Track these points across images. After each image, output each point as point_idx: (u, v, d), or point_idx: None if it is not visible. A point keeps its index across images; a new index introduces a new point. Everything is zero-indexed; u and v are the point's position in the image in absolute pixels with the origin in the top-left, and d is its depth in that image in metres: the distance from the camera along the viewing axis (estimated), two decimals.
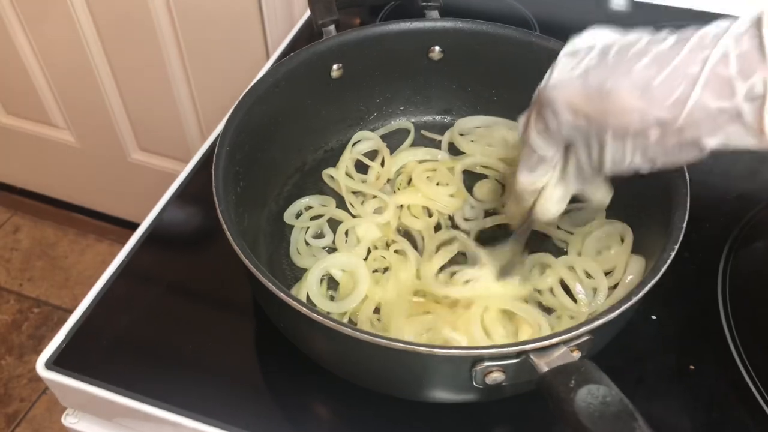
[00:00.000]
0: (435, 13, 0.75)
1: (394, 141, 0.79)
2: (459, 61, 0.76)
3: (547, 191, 0.55)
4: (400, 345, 0.48)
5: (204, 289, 0.68)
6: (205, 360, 0.62)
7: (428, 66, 0.77)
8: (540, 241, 0.69)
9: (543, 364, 0.46)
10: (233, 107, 0.64)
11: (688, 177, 0.58)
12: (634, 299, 0.50)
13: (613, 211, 0.68)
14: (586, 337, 0.48)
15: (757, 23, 0.41)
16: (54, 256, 1.85)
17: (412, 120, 0.81)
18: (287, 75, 0.68)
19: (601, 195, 0.58)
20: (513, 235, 0.65)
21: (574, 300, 0.63)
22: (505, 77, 0.75)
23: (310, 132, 0.76)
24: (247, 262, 0.52)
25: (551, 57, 0.69)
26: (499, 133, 0.77)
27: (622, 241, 0.65)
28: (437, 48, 0.75)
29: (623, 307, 0.50)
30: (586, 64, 0.48)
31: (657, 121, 0.45)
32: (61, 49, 1.43)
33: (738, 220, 0.71)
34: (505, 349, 0.47)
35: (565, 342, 0.47)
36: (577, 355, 0.48)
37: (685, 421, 0.58)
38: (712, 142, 0.44)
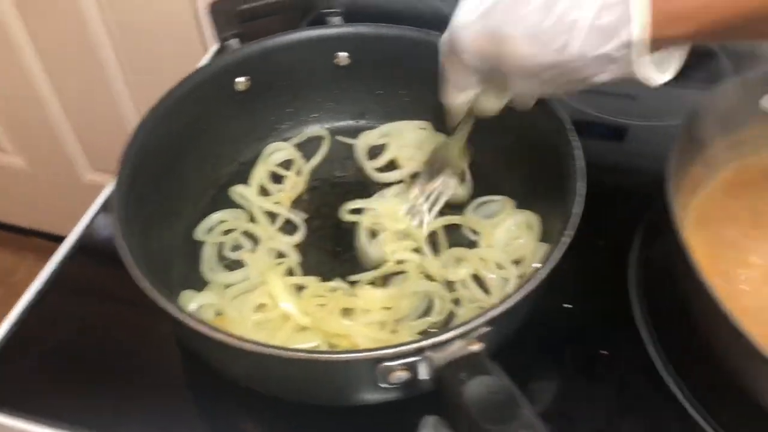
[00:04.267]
0: (338, 19, 0.76)
1: (309, 149, 0.79)
2: (366, 65, 0.76)
3: (483, 101, 0.59)
4: (300, 355, 0.48)
5: (131, 303, 0.65)
6: (134, 381, 0.62)
7: (336, 72, 0.77)
8: (452, 234, 0.70)
9: (440, 359, 0.47)
10: (133, 130, 0.62)
11: (584, 164, 0.59)
12: (529, 288, 0.51)
13: (523, 202, 0.70)
14: (485, 329, 0.48)
15: None
16: (12, 283, 1.83)
17: (326, 126, 0.81)
18: (191, 92, 0.68)
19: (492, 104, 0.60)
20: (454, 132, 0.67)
21: (488, 292, 0.64)
22: (411, 77, 0.76)
23: (222, 146, 0.75)
24: (146, 284, 0.51)
25: None
26: (410, 134, 0.78)
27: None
28: (343, 54, 0.75)
29: (518, 298, 0.50)
30: (486, 4, 0.50)
31: (548, 65, 0.49)
32: (3, 74, 1.41)
33: (649, 206, 0.71)
34: (403, 348, 0.47)
35: (460, 336, 0.48)
36: (479, 347, 0.48)
37: (598, 405, 0.59)
38: (599, 80, 0.49)
